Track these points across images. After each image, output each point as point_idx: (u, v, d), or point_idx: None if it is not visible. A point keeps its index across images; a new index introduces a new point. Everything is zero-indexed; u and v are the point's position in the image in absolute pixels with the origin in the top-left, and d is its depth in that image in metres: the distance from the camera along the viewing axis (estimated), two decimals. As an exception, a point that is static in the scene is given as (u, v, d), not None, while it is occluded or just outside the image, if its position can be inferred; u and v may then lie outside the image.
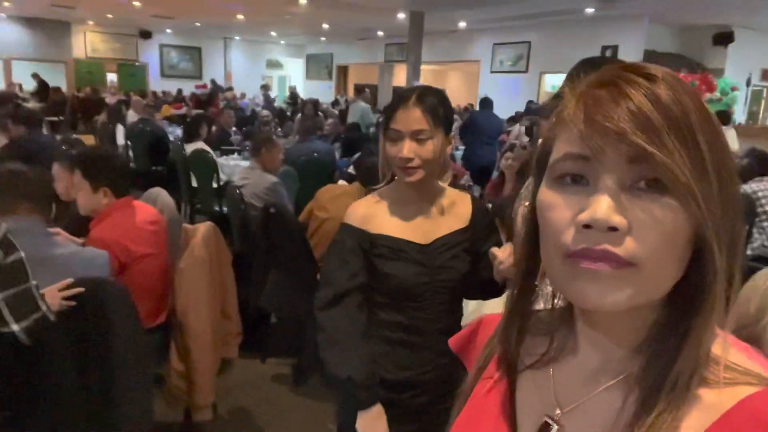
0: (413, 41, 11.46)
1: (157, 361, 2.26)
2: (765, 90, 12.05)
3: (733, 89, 9.47)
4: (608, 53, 10.40)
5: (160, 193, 2.98)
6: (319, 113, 8.00)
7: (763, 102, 12.13)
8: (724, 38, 10.48)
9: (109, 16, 15.00)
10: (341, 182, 3.82)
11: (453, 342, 0.72)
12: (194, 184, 5.14)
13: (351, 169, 4.63)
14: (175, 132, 7.35)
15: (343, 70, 19.25)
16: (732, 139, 7.28)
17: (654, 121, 0.43)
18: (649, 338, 0.49)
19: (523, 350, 0.59)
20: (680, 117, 0.44)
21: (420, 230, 1.38)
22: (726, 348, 0.47)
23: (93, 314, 1.68)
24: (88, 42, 16.99)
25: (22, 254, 1.49)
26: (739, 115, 10.74)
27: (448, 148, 1.38)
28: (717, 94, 9.35)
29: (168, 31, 17.68)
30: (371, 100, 11.20)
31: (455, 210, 1.42)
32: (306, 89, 19.11)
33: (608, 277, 0.44)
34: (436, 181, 1.44)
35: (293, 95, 15.54)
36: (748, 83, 11.21)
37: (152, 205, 2.96)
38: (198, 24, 15.74)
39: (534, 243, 0.53)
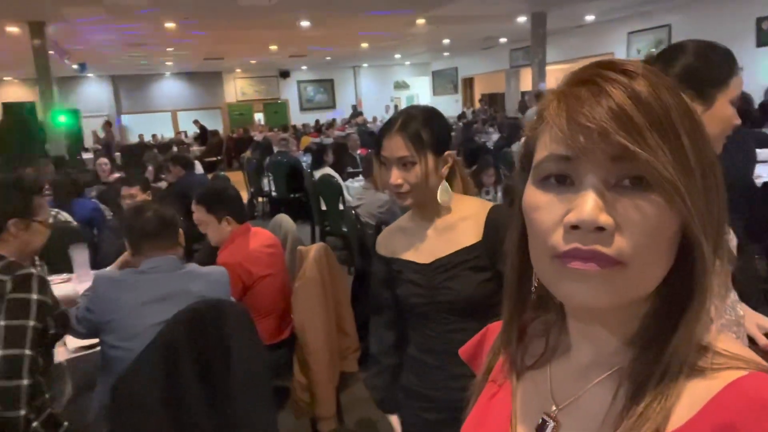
0: (536, 43, 11.11)
1: (284, 374, 2.45)
2: None
3: None
4: (765, 26, 9.15)
5: (284, 219, 3.25)
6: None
7: None
8: None
9: (252, 61, 16.64)
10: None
11: (463, 351, 0.74)
12: (323, 207, 5.48)
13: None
14: (309, 161, 7.89)
15: (469, 82, 19.22)
16: None
17: (635, 120, 0.43)
18: (640, 331, 0.50)
19: (524, 352, 0.61)
20: (661, 114, 0.44)
21: (424, 250, 1.37)
22: (715, 334, 0.48)
23: (215, 336, 1.86)
24: (237, 87, 18.98)
25: (34, 297, 1.62)
26: None
27: (445, 168, 1.35)
28: None
29: (303, 68, 19.12)
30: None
31: (465, 226, 1.36)
32: (434, 105, 19.35)
33: (597, 277, 0.44)
34: (451, 199, 1.38)
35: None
36: None
37: (278, 231, 3.24)
38: (328, 58, 16.81)
39: (525, 244, 0.54)
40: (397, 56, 18.41)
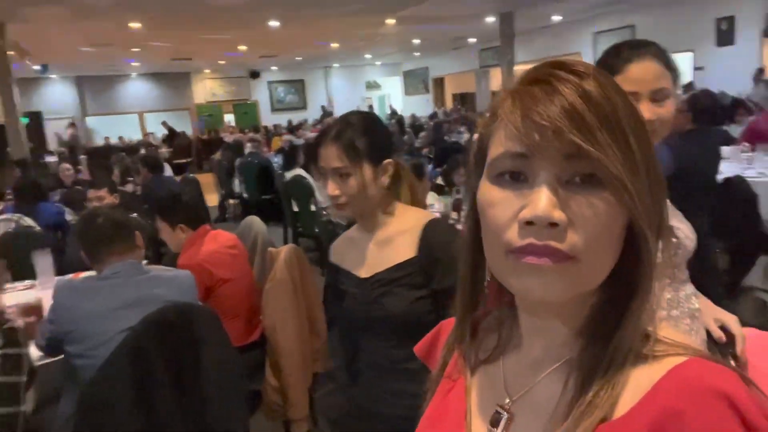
0: (505, 43, 11.24)
1: (255, 377, 2.44)
2: None
3: None
4: (723, 26, 9.44)
5: (254, 221, 3.22)
6: (407, 130, 8.10)
7: None
8: None
9: (221, 62, 16.42)
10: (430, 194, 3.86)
11: (418, 348, 0.74)
12: (296, 208, 5.45)
13: (440, 180, 4.65)
14: (280, 162, 7.84)
15: (440, 82, 19.34)
16: None
17: (587, 119, 0.45)
18: (588, 322, 0.52)
19: (478, 347, 0.62)
20: (610, 114, 0.46)
21: (365, 263, 1.34)
22: (657, 323, 0.50)
23: (184, 340, 1.84)
24: (207, 88, 18.71)
25: (26, 351, 1.58)
26: None
27: (385, 177, 1.31)
28: None
29: (273, 68, 18.95)
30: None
31: (403, 240, 1.31)
32: (405, 105, 19.43)
33: (551, 271, 0.46)
34: (396, 208, 1.36)
35: (394, 112, 15.96)
36: None
37: (248, 233, 3.22)
38: (299, 58, 16.71)
39: (477, 240, 0.55)
40: (368, 56, 18.41)
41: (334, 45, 14.11)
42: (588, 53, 12.96)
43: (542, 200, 0.45)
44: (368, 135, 1.28)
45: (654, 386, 0.46)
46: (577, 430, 0.47)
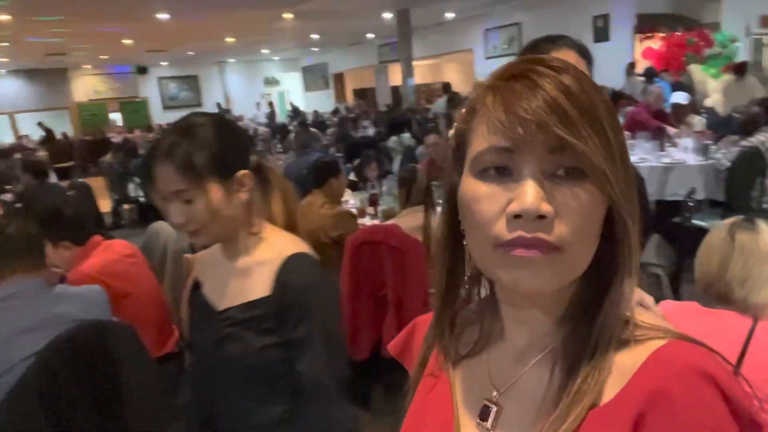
0: (403, 39, 11.46)
1: (172, 391, 2.30)
2: (764, 37, 11.75)
3: (732, 41, 9.27)
4: (600, 23, 10.27)
5: (161, 227, 3.02)
6: (311, 129, 8.01)
7: (764, 50, 11.83)
8: (717, -9, 10.27)
9: (103, 57, 15.25)
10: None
11: (392, 346, 0.73)
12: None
13: (352, 176, 4.65)
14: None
15: (340, 78, 19.32)
16: (755, 87, 7.18)
17: (570, 113, 0.46)
18: (569, 310, 0.53)
19: (457, 342, 0.62)
20: (589, 107, 0.47)
21: (224, 292, 1.12)
22: (634, 308, 0.52)
23: (99, 359, 1.69)
24: (88, 85, 17.30)
25: None
26: (744, 66, 10.51)
27: (243, 192, 1.08)
28: (717, 48, 9.16)
29: (163, 63, 17.91)
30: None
31: (260, 274, 1.09)
32: (306, 101, 19.21)
33: (540, 263, 0.47)
34: (264, 229, 1.15)
35: (296, 109, 15.69)
36: (747, 33, 10.95)
37: (155, 240, 3.02)
38: (191, 53, 15.93)
39: (455, 235, 0.55)
40: (266, 51, 17.97)
41: (230, 39, 13.61)
42: (480, 49, 13.55)
43: (530, 193, 0.46)
44: (210, 145, 1.03)
45: (638, 369, 0.48)
46: (568, 417, 0.48)
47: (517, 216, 0.46)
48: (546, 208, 0.46)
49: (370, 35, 15.27)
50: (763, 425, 0.45)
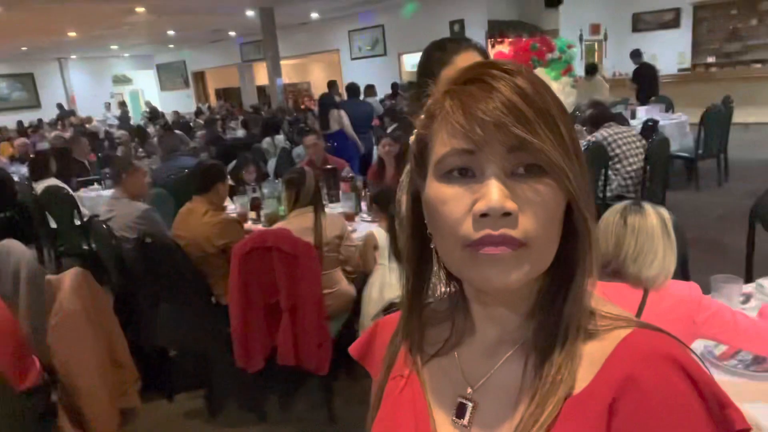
0: (268, 37, 11.21)
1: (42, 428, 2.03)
2: (595, 43, 13.30)
3: (569, 47, 10.33)
4: (456, 28, 10.90)
5: (11, 245, 2.64)
6: (176, 132, 7.52)
7: (596, 54, 13.39)
8: (554, 0, 11.38)
9: None
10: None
11: (353, 349, 0.73)
12: (53, 225, 4.65)
13: (230, 180, 4.44)
14: (20, 171, 6.58)
15: (200, 76, 18.41)
16: (602, 87, 8.15)
17: (526, 113, 0.48)
18: (537, 304, 0.55)
19: (426, 341, 0.62)
20: (543, 107, 0.49)
21: None
22: (599, 300, 0.55)
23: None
24: None
25: None
26: (578, 70, 11.79)
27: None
28: (557, 53, 10.15)
29: (-11, 59, 15.72)
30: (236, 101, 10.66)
31: None
32: (163, 101, 18.01)
33: (508, 259, 0.48)
34: None
35: (153, 110, 14.59)
36: (581, 39, 12.31)
37: (5, 261, 2.64)
38: (24, 48, 14.15)
39: (421, 237, 0.56)
40: (115, 47, 16.51)
41: (72, 34, 12.32)
42: (345, 49, 13.69)
43: (494, 192, 0.47)
44: None
45: (608, 358, 0.50)
46: (546, 407, 0.49)
47: (484, 215, 0.47)
48: (510, 205, 0.47)
49: (231, 33, 14.73)
50: (727, 404, 0.48)
